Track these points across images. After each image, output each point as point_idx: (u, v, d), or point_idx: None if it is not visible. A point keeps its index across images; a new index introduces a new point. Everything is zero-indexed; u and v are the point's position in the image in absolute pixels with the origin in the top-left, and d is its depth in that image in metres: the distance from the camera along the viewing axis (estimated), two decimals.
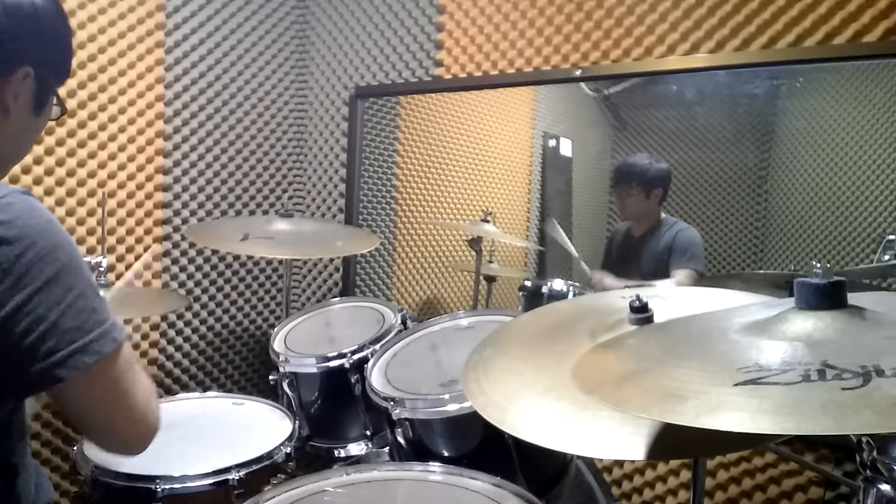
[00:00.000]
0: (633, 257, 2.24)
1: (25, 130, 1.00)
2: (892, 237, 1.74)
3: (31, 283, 0.82)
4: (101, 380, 0.89)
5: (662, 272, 2.12)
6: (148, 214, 2.24)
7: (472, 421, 1.26)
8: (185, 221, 2.34)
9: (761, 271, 2.07)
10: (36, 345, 0.83)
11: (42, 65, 0.96)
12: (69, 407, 0.92)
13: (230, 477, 1.37)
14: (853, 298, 0.80)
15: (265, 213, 2.57)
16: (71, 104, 2.00)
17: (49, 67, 0.98)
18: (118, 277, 2.17)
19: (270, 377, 1.83)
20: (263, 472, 1.44)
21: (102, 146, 2.10)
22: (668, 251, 2.13)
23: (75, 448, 1.45)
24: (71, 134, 2.02)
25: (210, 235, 2.16)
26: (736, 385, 0.68)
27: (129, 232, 2.19)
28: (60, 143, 1.99)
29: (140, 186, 2.21)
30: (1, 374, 0.84)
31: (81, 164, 2.05)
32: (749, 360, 0.73)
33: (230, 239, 2.01)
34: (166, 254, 2.30)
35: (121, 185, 2.16)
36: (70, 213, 2.02)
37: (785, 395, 0.65)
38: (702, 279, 2.07)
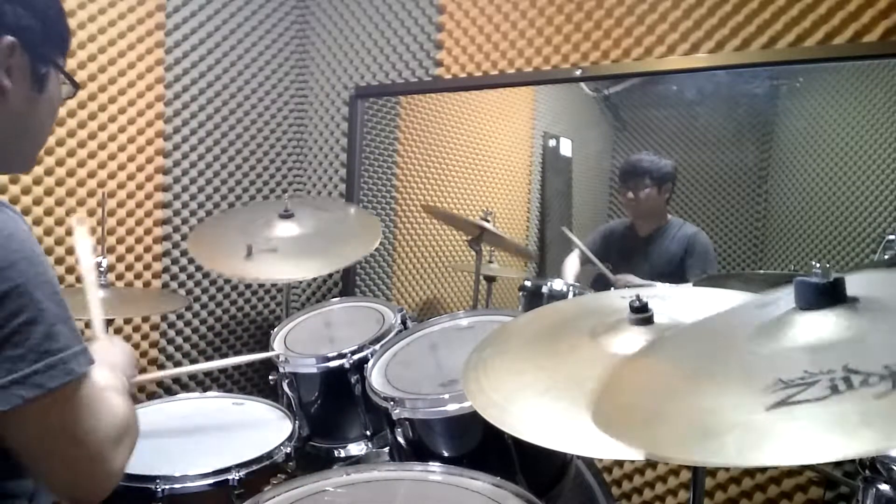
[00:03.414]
0: (640, 257, 2.24)
1: (31, 111, 0.94)
2: (892, 237, 1.74)
3: None
4: (45, 416, 0.80)
5: (672, 273, 2.11)
6: (148, 214, 2.24)
7: (472, 421, 1.26)
8: (184, 221, 2.34)
9: (761, 271, 2.07)
10: None
11: (27, 34, 0.89)
12: (9, 441, 0.82)
13: (230, 477, 1.37)
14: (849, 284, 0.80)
15: (270, 197, 2.55)
16: (71, 104, 2.00)
17: (37, 36, 0.91)
18: (118, 277, 2.17)
19: (270, 377, 1.83)
20: (263, 472, 1.43)
21: (102, 146, 2.10)
22: (683, 255, 2.13)
23: None
24: (71, 134, 2.02)
25: (214, 250, 2.06)
26: (769, 410, 0.66)
27: (129, 232, 2.20)
28: (60, 143, 1.99)
29: (140, 186, 2.21)
30: None
31: (81, 164, 2.05)
32: (769, 377, 0.71)
33: (235, 256, 1.95)
34: (166, 254, 2.30)
35: (121, 185, 2.16)
36: (70, 213, 2.02)
37: (821, 415, 0.63)
38: (701, 279, 2.07)
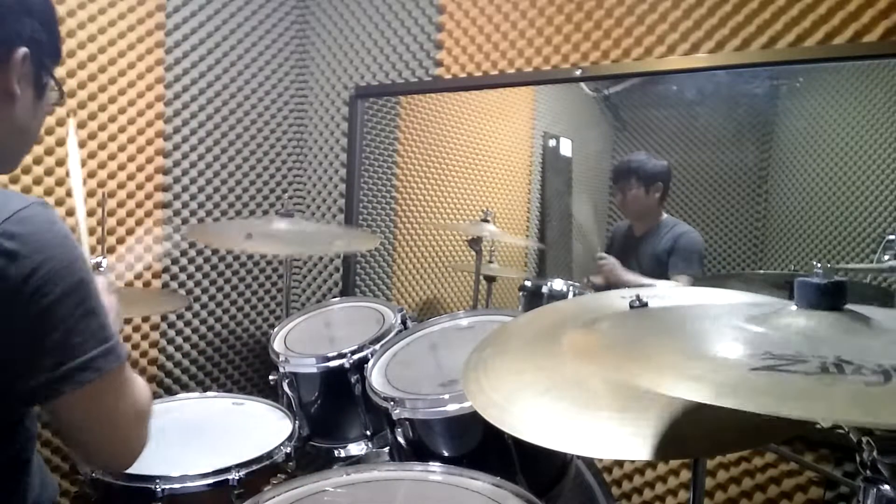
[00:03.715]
0: (633, 256, 2.24)
1: (32, 118, 0.99)
2: (892, 237, 1.74)
3: (44, 298, 0.82)
4: (98, 397, 0.89)
5: (661, 273, 2.12)
6: (148, 214, 2.24)
7: (472, 421, 1.26)
8: (185, 221, 2.34)
9: (761, 271, 2.07)
10: (41, 358, 0.83)
11: (35, 46, 0.95)
12: (61, 419, 0.92)
13: (230, 477, 1.37)
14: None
15: (265, 212, 2.58)
16: (71, 104, 2.00)
17: (42, 48, 0.97)
18: (118, 278, 2.17)
19: (270, 377, 1.83)
20: (263, 472, 1.44)
21: (102, 146, 2.10)
22: (669, 253, 2.13)
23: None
24: None
25: (212, 235, 2.15)
26: (753, 370, 0.65)
27: (130, 232, 2.20)
28: (60, 143, 1.99)
29: (140, 186, 2.21)
30: (5, 384, 0.84)
31: (81, 164, 2.04)
32: (760, 348, 0.70)
33: (234, 239, 2.01)
34: (166, 254, 2.30)
35: (121, 185, 2.16)
36: (70, 213, 2.02)
37: (809, 384, 0.62)
38: (701, 279, 2.07)
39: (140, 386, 0.98)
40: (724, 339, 0.78)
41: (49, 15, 0.98)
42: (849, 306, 0.80)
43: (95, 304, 0.88)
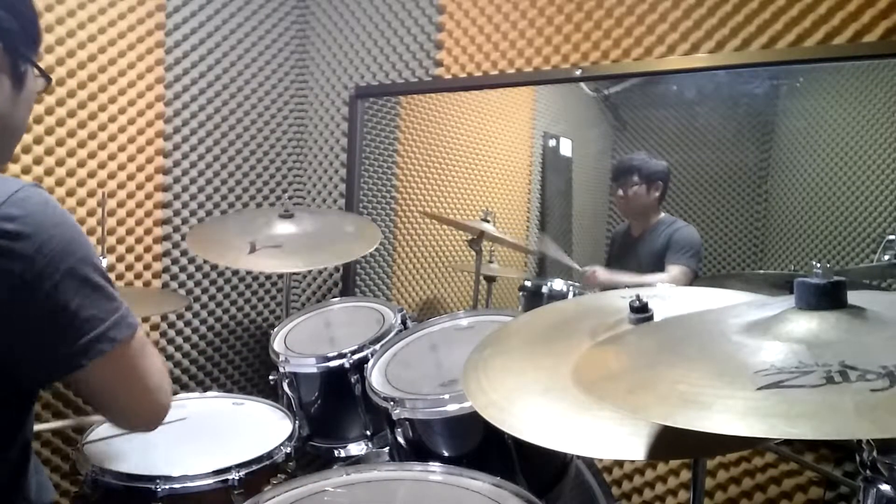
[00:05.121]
0: (632, 256, 2.25)
1: (14, 110, 0.98)
2: (892, 237, 1.74)
3: (52, 276, 0.84)
4: (117, 364, 0.92)
5: (659, 269, 2.12)
6: (148, 214, 2.24)
7: (472, 421, 1.25)
8: (184, 221, 2.34)
9: (761, 271, 2.07)
10: (57, 334, 0.86)
11: (8, 36, 0.93)
12: (86, 390, 0.96)
13: (230, 477, 1.37)
14: (849, 298, 0.80)
15: (268, 206, 2.57)
16: (71, 104, 2.00)
17: (16, 36, 0.95)
18: (118, 277, 2.17)
19: (270, 377, 1.83)
20: (263, 472, 1.44)
21: (102, 146, 2.10)
22: (666, 249, 2.14)
23: (75, 448, 1.45)
24: (71, 134, 2.02)
25: (216, 245, 2.09)
26: (760, 389, 0.66)
27: (129, 232, 2.19)
28: (60, 143, 1.99)
29: (140, 186, 2.21)
30: (22, 363, 0.86)
31: (81, 164, 2.05)
32: (764, 363, 0.71)
33: (239, 251, 1.98)
34: (166, 254, 2.30)
35: (121, 185, 2.16)
36: (70, 212, 2.01)
37: (814, 399, 0.63)
38: (701, 279, 2.07)
39: (152, 345, 1.02)
40: (729, 356, 0.77)
41: (15, 1, 0.96)
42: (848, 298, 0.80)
43: (100, 278, 0.90)
